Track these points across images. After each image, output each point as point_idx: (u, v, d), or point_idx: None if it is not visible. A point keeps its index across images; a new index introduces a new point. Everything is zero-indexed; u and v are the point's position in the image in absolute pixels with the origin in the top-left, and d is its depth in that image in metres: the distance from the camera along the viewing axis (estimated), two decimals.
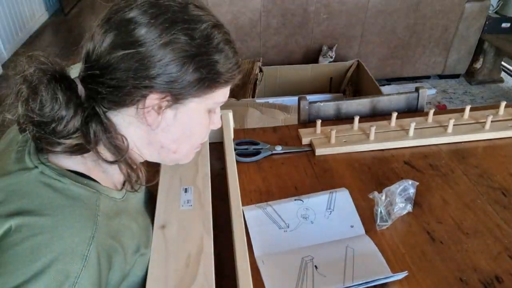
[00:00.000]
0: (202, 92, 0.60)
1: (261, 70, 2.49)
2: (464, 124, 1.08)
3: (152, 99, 0.57)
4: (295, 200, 0.86)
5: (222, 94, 0.64)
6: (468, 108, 1.10)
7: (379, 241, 0.78)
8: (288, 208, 0.85)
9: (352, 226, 0.81)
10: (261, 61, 2.56)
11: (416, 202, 0.87)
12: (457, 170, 0.95)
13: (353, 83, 2.60)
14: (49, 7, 4.69)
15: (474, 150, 1.02)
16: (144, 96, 0.56)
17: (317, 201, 0.86)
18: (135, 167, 0.64)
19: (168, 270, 0.64)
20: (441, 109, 2.61)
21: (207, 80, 0.59)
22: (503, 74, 3.21)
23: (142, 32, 0.54)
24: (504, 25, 2.97)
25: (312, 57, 2.82)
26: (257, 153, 1.01)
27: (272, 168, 0.97)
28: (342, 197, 0.86)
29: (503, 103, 1.10)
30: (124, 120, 0.60)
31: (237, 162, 0.99)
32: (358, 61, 2.59)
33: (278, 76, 2.63)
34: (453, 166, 0.97)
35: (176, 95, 0.58)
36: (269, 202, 0.86)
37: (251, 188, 0.91)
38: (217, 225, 0.82)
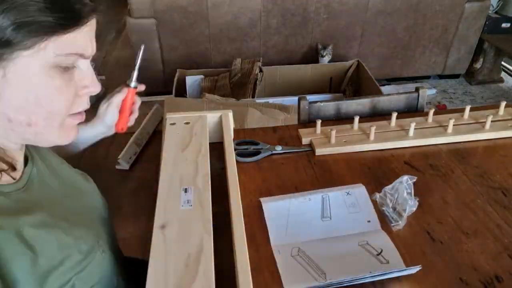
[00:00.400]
0: (27, 41, 0.47)
1: (261, 70, 2.49)
2: (464, 124, 1.08)
3: None
4: (313, 194, 0.87)
5: (66, 42, 0.50)
6: (468, 108, 1.10)
7: None
8: (307, 202, 0.86)
9: (369, 221, 0.83)
10: (261, 61, 2.56)
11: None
12: (457, 170, 0.95)
13: (353, 83, 2.60)
14: None
15: (474, 150, 1.02)
16: None
17: (336, 196, 0.87)
18: None
19: (167, 270, 0.64)
20: (441, 109, 2.61)
21: (27, 24, 0.46)
22: (503, 74, 3.21)
23: None
24: (504, 25, 2.97)
25: (312, 57, 2.82)
26: (257, 153, 1.01)
27: (272, 168, 0.97)
28: (360, 193, 0.88)
29: (503, 103, 1.10)
30: None
31: (237, 162, 0.99)
32: (358, 61, 2.59)
33: (278, 76, 2.63)
34: (453, 166, 0.97)
35: None
36: (291, 195, 0.88)
37: (251, 188, 0.91)
38: (217, 225, 0.82)
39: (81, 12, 0.50)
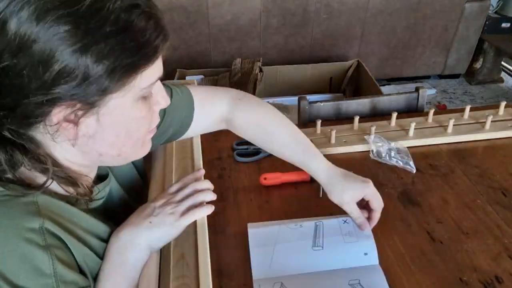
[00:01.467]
0: (120, 84, 0.48)
1: (261, 70, 2.49)
2: (464, 124, 1.08)
3: (58, 113, 0.47)
4: (306, 221, 0.80)
5: (149, 74, 0.51)
6: (468, 108, 1.10)
7: (378, 240, 0.77)
8: (298, 229, 0.78)
9: (365, 254, 0.74)
10: (261, 61, 2.56)
11: (416, 202, 0.87)
12: (457, 170, 0.95)
13: (353, 83, 2.60)
14: None
15: (474, 150, 1.02)
16: (47, 113, 0.47)
17: (331, 224, 0.79)
18: (78, 182, 0.56)
19: (164, 268, 0.64)
20: (441, 109, 2.61)
21: (118, 68, 0.47)
22: (503, 74, 3.21)
23: None
24: (504, 25, 2.97)
25: (312, 57, 2.82)
26: (256, 153, 1.01)
27: (271, 168, 0.97)
28: None
29: (503, 103, 1.10)
30: (45, 138, 0.51)
31: (237, 162, 0.99)
32: (358, 61, 2.59)
33: (278, 76, 2.62)
34: (453, 166, 0.96)
35: (87, 100, 0.47)
36: (282, 221, 0.81)
37: (251, 187, 0.91)
38: (216, 224, 0.82)
39: (159, 45, 0.51)
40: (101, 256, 0.59)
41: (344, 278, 0.70)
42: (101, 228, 0.60)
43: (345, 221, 0.79)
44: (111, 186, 0.67)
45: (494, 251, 0.76)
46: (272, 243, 0.75)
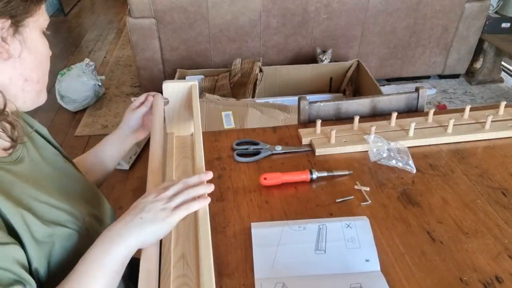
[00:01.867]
0: (33, 9, 0.61)
1: (261, 70, 2.49)
2: (464, 124, 1.08)
3: None
4: (309, 223, 0.80)
5: (43, 11, 0.65)
6: (468, 108, 1.10)
7: (378, 240, 0.78)
8: (301, 231, 0.79)
9: (367, 260, 0.74)
10: (261, 61, 2.56)
11: (416, 202, 0.87)
12: (457, 170, 0.95)
13: (353, 83, 2.60)
14: (49, 7, 4.68)
15: (474, 150, 1.02)
16: None
17: (335, 227, 0.79)
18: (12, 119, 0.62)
19: (164, 267, 0.64)
20: (441, 109, 2.60)
21: None
22: (503, 74, 3.21)
23: None
24: (504, 25, 2.97)
25: (312, 57, 2.82)
26: (257, 153, 1.01)
27: (272, 168, 0.97)
28: (362, 226, 0.80)
29: (503, 103, 1.10)
30: None
31: (237, 162, 0.99)
32: (358, 61, 2.59)
33: (278, 76, 2.63)
34: (453, 166, 0.97)
35: (15, 17, 0.59)
36: (285, 222, 0.81)
37: (251, 188, 0.91)
38: (216, 224, 0.82)
39: None
40: (44, 219, 0.61)
41: (346, 281, 0.70)
42: (32, 191, 0.62)
43: (348, 225, 0.79)
44: (33, 159, 0.69)
45: (494, 251, 0.76)
46: (275, 244, 0.76)
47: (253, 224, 0.80)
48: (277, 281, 0.70)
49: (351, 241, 0.77)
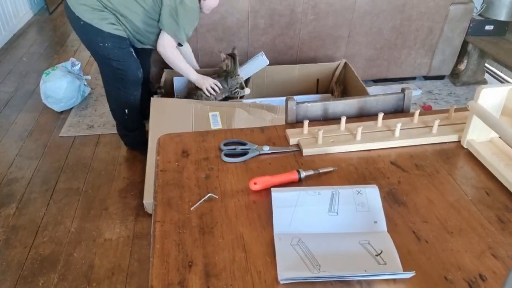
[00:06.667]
0: None
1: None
2: (449, 124, 1.09)
3: None
4: (324, 189, 0.87)
5: None
6: (453, 108, 1.12)
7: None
8: (316, 196, 0.85)
9: (375, 222, 0.82)
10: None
11: (402, 202, 0.88)
12: (442, 170, 0.97)
13: (341, 84, 2.62)
14: (33, 5, 4.62)
15: (459, 150, 1.03)
16: None
17: (346, 193, 0.86)
18: None
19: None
20: (426, 110, 2.64)
21: None
22: (486, 76, 3.26)
23: None
24: (487, 27, 3.02)
25: (299, 58, 2.84)
26: (244, 153, 1.01)
27: (259, 168, 0.97)
28: (371, 193, 0.86)
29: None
30: None
31: (225, 162, 0.99)
32: (345, 62, 2.61)
33: (265, 77, 2.63)
34: (438, 166, 0.98)
35: None
36: (302, 187, 0.89)
37: (239, 188, 0.91)
38: (203, 224, 0.82)
39: None
40: None
41: (355, 238, 0.79)
42: None
43: (358, 192, 0.86)
44: None
45: (478, 250, 0.77)
46: (293, 205, 0.84)
47: (273, 189, 0.87)
48: (294, 236, 0.79)
49: (361, 205, 0.84)
